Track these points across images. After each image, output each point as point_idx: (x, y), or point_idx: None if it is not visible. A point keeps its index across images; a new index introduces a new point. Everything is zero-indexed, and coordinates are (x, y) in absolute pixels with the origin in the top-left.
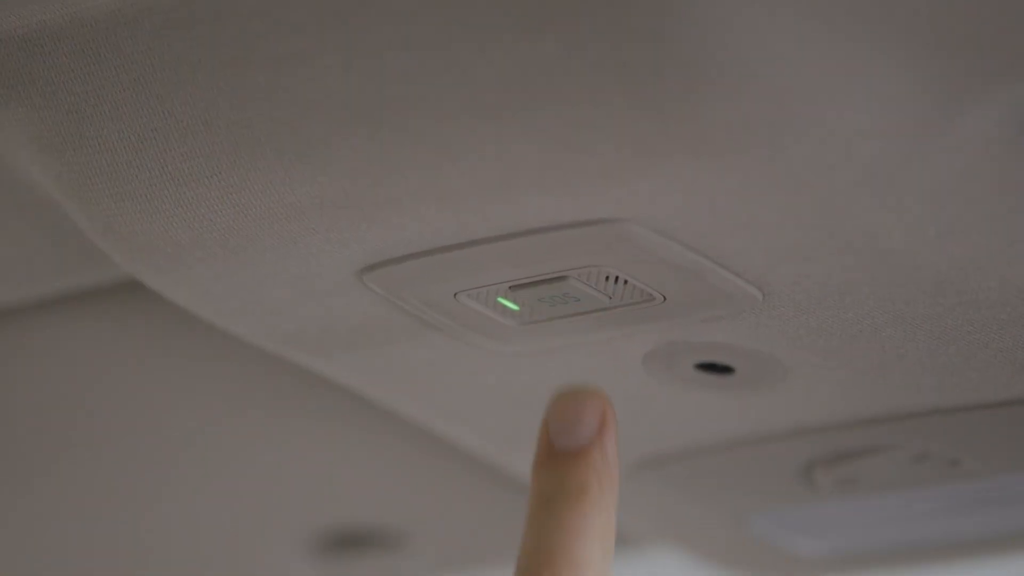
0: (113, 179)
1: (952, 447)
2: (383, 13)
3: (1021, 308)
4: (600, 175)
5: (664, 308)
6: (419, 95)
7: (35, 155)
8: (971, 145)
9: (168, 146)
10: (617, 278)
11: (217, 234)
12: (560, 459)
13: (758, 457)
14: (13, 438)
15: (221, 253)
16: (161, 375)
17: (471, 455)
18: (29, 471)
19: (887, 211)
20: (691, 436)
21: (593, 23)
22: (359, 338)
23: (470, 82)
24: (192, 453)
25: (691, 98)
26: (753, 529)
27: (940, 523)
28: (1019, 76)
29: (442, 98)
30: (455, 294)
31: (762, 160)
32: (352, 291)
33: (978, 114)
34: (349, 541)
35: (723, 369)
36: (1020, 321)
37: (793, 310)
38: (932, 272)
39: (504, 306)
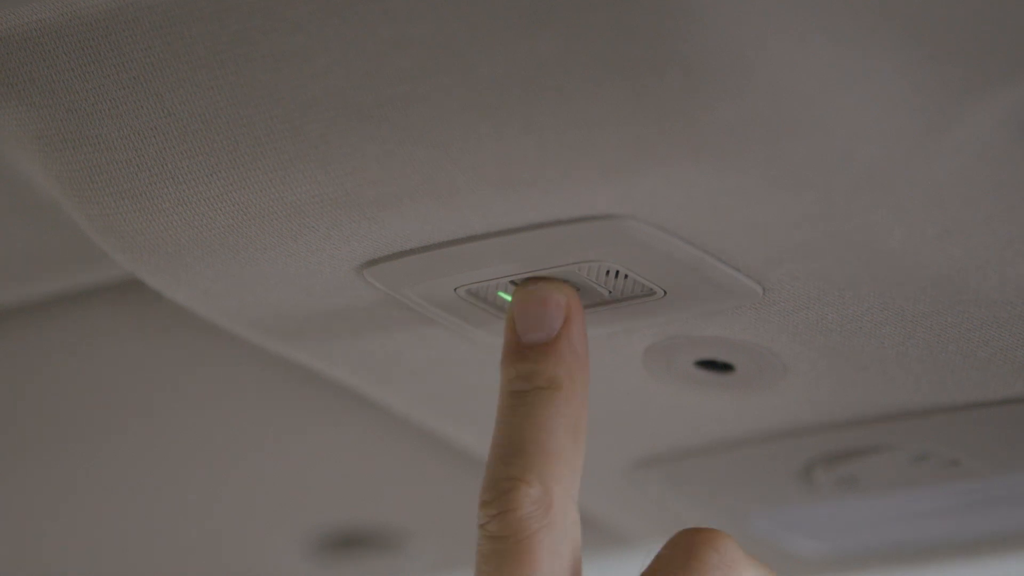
0: (113, 178)
1: (952, 447)
2: (382, 10)
3: (1021, 307)
4: (600, 172)
5: (664, 302)
6: (419, 92)
7: (35, 154)
8: (971, 146)
9: (168, 144)
10: (617, 272)
11: (217, 233)
12: (528, 353)
13: (758, 457)
14: (13, 437)
15: (221, 252)
16: (161, 374)
17: (471, 455)
18: (29, 471)
19: (887, 211)
20: (691, 435)
21: (593, 21)
22: (360, 334)
23: (470, 79)
24: (192, 452)
25: (692, 97)
26: (753, 529)
27: (940, 523)
28: (1018, 78)
29: (442, 95)
30: (455, 289)
31: (762, 159)
32: (352, 287)
33: (977, 115)
34: (349, 541)
35: (723, 367)
36: (1020, 320)
37: (793, 305)
38: (932, 270)
39: (504, 300)
